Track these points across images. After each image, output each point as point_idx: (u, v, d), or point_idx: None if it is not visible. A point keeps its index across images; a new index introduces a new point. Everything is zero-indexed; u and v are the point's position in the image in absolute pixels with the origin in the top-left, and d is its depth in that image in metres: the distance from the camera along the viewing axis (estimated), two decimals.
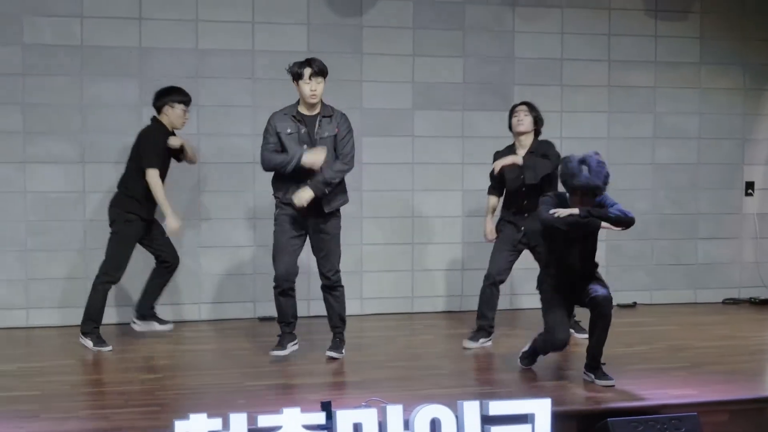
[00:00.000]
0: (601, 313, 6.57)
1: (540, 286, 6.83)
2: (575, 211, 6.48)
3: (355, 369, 7.07)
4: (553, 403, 5.67)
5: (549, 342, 6.72)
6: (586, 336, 6.94)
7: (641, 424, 5.84)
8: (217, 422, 5.11)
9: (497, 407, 5.54)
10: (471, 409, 5.47)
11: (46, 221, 8.64)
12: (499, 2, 9.63)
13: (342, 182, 7.22)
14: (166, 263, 7.95)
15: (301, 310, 8.94)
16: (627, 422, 5.83)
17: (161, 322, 8.05)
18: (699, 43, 10.16)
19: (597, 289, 6.57)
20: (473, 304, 9.52)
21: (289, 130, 7.09)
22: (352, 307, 9.12)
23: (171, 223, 7.70)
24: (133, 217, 7.71)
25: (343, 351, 7.31)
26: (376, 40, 9.33)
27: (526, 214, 7.86)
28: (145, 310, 8.00)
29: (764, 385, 6.86)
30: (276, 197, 7.20)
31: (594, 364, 6.70)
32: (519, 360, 7.09)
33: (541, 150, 7.80)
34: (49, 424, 5.54)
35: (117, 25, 8.76)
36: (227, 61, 9.00)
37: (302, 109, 7.17)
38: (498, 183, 8.02)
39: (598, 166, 6.51)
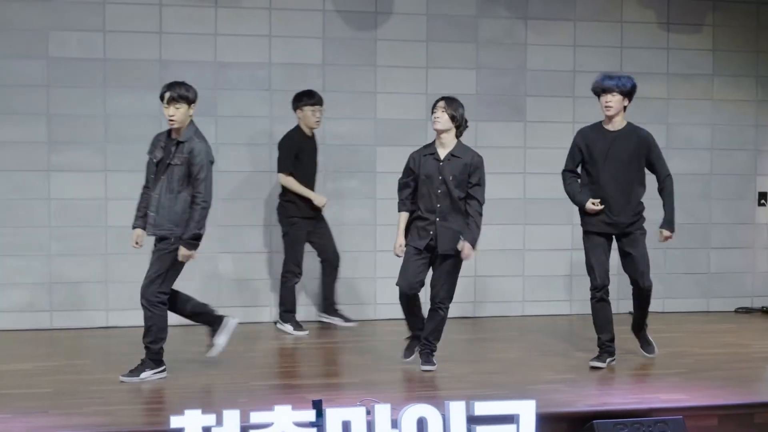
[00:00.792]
0: None
1: None
2: None
3: (357, 371, 7.31)
4: (541, 405, 5.87)
5: None
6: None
7: (626, 427, 6.01)
8: (211, 418, 5.36)
9: (483, 407, 5.74)
10: (457, 409, 5.67)
11: (69, 227, 8.98)
12: (512, 16, 9.85)
13: (181, 212, 6.99)
14: (327, 262, 8.99)
15: (313, 314, 9.24)
16: (612, 425, 6.01)
17: (345, 319, 9.06)
18: (712, 55, 10.32)
19: None
20: (485, 311, 9.81)
21: (151, 155, 7.06)
22: (366, 312, 9.41)
23: (317, 200, 8.71)
24: (295, 219, 8.74)
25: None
26: (390, 53, 9.59)
27: None
28: (326, 307, 9.09)
29: (755, 391, 7.00)
30: None
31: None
32: None
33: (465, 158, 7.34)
34: (55, 419, 5.84)
35: (138, 39, 9.09)
36: (245, 73, 9.31)
37: (172, 133, 7.05)
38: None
39: None
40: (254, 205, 9.26)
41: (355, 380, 6.99)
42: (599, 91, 7.56)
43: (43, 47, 8.93)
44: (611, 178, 7.51)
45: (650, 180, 10.12)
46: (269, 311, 9.40)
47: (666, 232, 7.76)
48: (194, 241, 6.98)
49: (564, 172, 7.72)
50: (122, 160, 8.98)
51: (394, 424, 5.58)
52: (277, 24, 9.37)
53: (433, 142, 7.39)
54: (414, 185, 7.30)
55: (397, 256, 7.26)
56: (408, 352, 7.45)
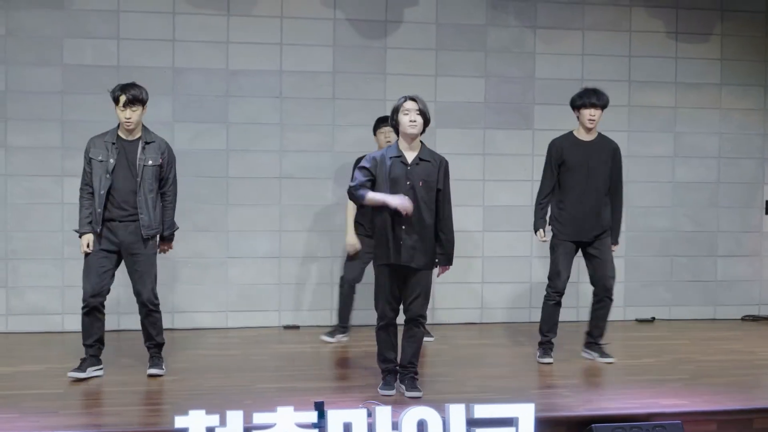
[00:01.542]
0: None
1: None
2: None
3: (363, 375, 7.41)
4: (540, 409, 5.98)
5: None
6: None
7: (625, 431, 6.11)
8: (214, 418, 5.47)
9: (482, 410, 5.83)
10: (457, 412, 5.76)
11: None
12: (521, 25, 9.95)
13: (160, 209, 7.24)
14: None
15: (325, 319, 9.34)
16: (611, 429, 6.10)
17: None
18: (719, 64, 10.39)
19: None
20: (493, 317, 9.89)
21: (100, 157, 7.09)
22: (373, 317, 9.50)
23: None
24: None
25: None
26: (399, 61, 9.70)
27: None
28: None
29: (754, 397, 7.06)
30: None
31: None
32: None
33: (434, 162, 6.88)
34: (64, 420, 5.97)
35: (152, 47, 9.24)
36: (256, 80, 9.44)
37: (121, 134, 7.18)
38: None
39: None
40: (264, 211, 9.38)
41: (360, 384, 7.10)
42: (586, 105, 7.90)
43: (57, 54, 9.09)
44: (588, 187, 7.90)
45: (657, 188, 10.25)
46: (277, 316, 9.51)
47: (613, 246, 8.12)
48: (173, 236, 7.41)
49: (539, 202, 8.07)
50: None
51: (395, 426, 5.68)
52: (288, 32, 9.50)
53: (395, 145, 6.81)
54: (370, 187, 6.70)
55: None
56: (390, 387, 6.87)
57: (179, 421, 5.44)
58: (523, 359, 8.22)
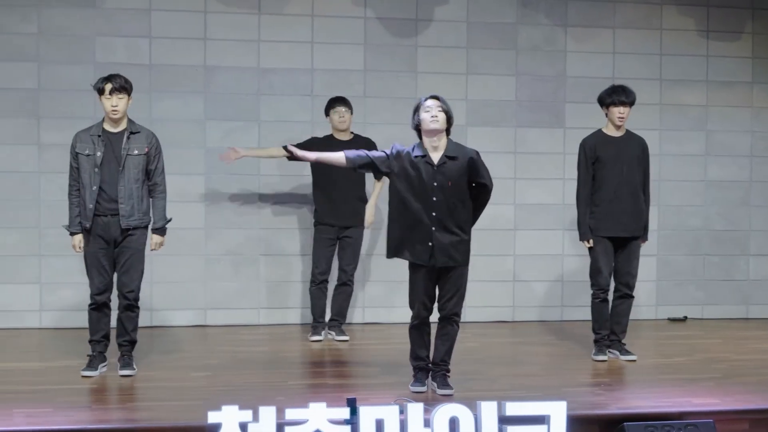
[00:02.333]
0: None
1: None
2: None
3: (395, 372, 7.42)
4: (572, 407, 5.96)
5: None
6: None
7: (656, 429, 6.08)
8: (247, 414, 5.50)
9: (514, 408, 5.83)
10: (489, 409, 5.76)
11: None
12: (552, 23, 9.93)
13: (147, 201, 7.22)
14: None
15: (356, 316, 9.40)
16: (643, 427, 6.08)
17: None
18: (751, 62, 10.33)
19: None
20: (525, 315, 9.88)
21: (87, 151, 7.08)
22: (405, 315, 9.51)
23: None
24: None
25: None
26: (430, 60, 9.71)
27: None
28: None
29: None
30: None
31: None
32: None
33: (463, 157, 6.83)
34: (97, 414, 6.03)
35: (183, 45, 9.29)
36: (287, 79, 9.47)
37: (107, 126, 7.17)
38: None
39: None
40: (295, 208, 9.41)
41: (391, 380, 7.11)
42: (615, 103, 7.95)
43: (90, 53, 9.15)
44: (623, 181, 7.94)
45: (689, 186, 10.21)
46: (308, 312, 9.52)
47: (642, 242, 8.17)
48: (165, 229, 7.32)
49: (580, 199, 8.05)
50: (167, 164, 9.03)
51: (427, 423, 5.69)
52: (319, 30, 9.53)
53: (419, 143, 6.76)
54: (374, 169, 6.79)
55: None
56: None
57: (212, 417, 5.47)
58: (555, 357, 8.21)
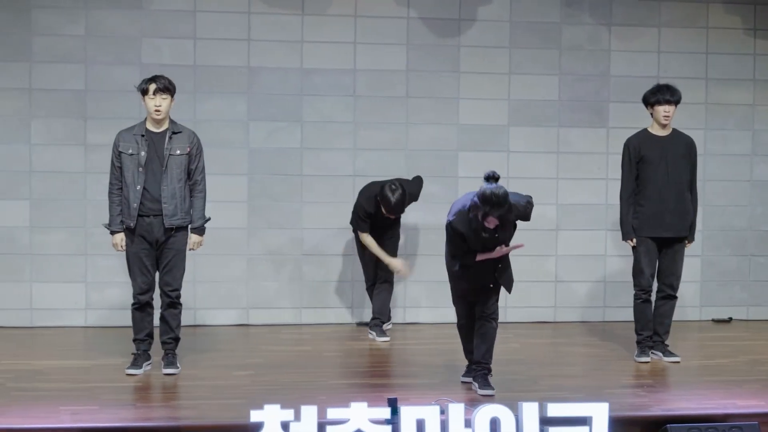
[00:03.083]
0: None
1: None
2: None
3: (436, 372, 7.45)
4: (614, 408, 5.95)
5: None
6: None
7: (700, 431, 6.05)
8: (289, 413, 5.55)
9: (556, 409, 5.84)
10: (530, 410, 5.77)
11: None
12: (595, 22, 9.89)
13: (190, 200, 7.29)
14: None
15: (397, 316, 9.42)
16: (686, 429, 6.06)
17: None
18: None
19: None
20: (565, 316, 9.85)
21: (130, 151, 7.18)
22: (447, 315, 9.53)
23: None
24: None
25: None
26: (473, 59, 9.70)
27: None
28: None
29: None
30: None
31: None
32: None
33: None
34: (142, 412, 6.11)
35: (228, 46, 9.35)
36: (330, 79, 9.50)
37: (150, 126, 7.27)
38: None
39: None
40: (336, 208, 9.43)
41: (433, 381, 7.13)
42: (660, 102, 7.96)
43: (136, 54, 9.24)
44: (668, 181, 7.92)
45: (735, 186, 10.12)
46: (350, 312, 9.58)
47: (688, 243, 8.17)
48: (204, 228, 7.39)
49: (623, 199, 8.04)
50: (211, 164, 9.15)
51: (468, 423, 5.70)
52: (361, 31, 9.55)
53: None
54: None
55: None
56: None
57: (255, 416, 5.52)
58: (597, 358, 8.18)
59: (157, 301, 7.41)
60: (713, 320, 10.09)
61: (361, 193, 8.88)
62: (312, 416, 5.56)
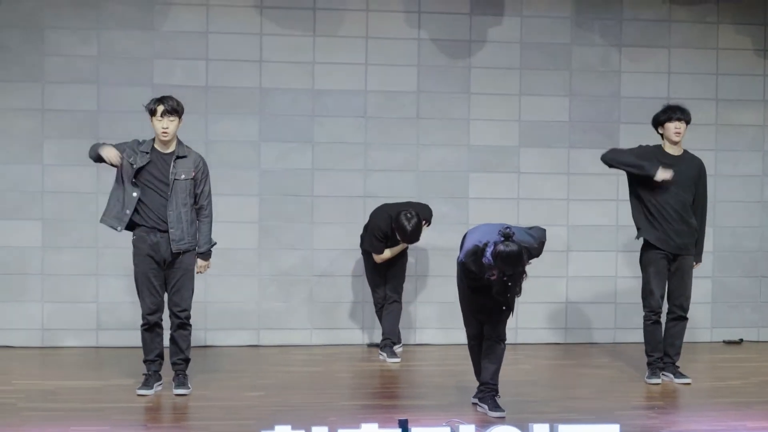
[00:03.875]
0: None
1: None
2: None
3: (446, 393, 7.44)
4: (625, 429, 5.92)
5: None
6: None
7: None
8: None
9: (567, 430, 5.79)
10: None
11: None
12: (606, 43, 9.91)
13: (196, 224, 7.31)
14: None
15: (407, 338, 9.41)
16: None
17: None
18: None
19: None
20: (577, 337, 9.83)
21: (131, 159, 7.17)
22: (458, 336, 9.53)
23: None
24: None
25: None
26: (484, 81, 9.73)
27: None
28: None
29: None
30: None
31: None
32: None
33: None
34: None
35: (239, 68, 9.40)
36: (341, 100, 9.54)
37: (157, 146, 7.26)
38: None
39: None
40: (347, 229, 9.45)
41: (443, 402, 7.12)
42: (671, 119, 7.98)
43: (148, 75, 9.30)
44: (677, 201, 7.91)
45: (745, 207, 10.11)
46: (361, 333, 9.58)
47: (696, 264, 8.16)
48: (210, 252, 7.40)
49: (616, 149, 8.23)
50: (222, 185, 9.24)
51: None
52: (373, 52, 9.59)
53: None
54: None
55: None
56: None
57: None
58: (608, 380, 8.17)
59: (166, 322, 7.41)
60: (724, 341, 10.07)
61: (375, 215, 8.90)
62: None
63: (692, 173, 7.99)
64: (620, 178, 9.76)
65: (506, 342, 6.95)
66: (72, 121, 9.25)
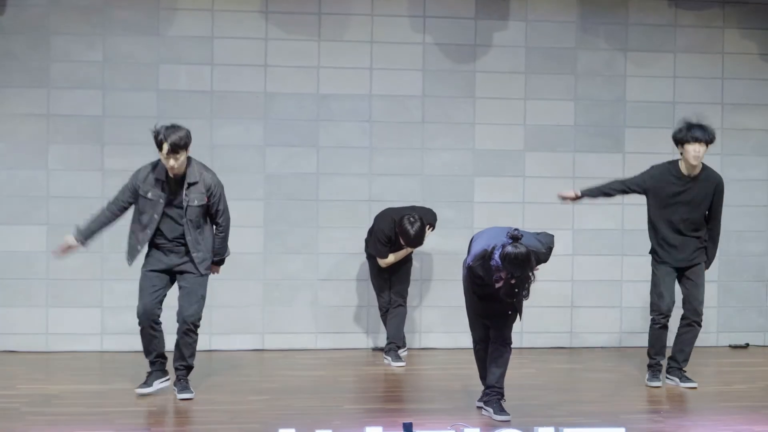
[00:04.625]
0: None
1: None
2: None
3: (451, 397, 7.43)
4: None
5: None
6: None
7: None
8: None
9: None
10: None
11: None
12: (611, 48, 9.90)
13: (212, 239, 7.35)
14: None
15: (412, 342, 9.40)
16: None
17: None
18: None
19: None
20: (583, 341, 9.81)
21: (150, 195, 7.16)
22: (462, 340, 9.52)
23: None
24: None
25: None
26: (489, 85, 9.72)
27: None
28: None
29: None
30: None
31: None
32: None
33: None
34: None
35: (244, 72, 9.41)
36: (346, 105, 9.54)
37: (168, 171, 7.15)
38: None
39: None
40: (352, 233, 9.44)
41: (448, 406, 7.11)
42: (689, 141, 7.72)
43: (153, 80, 9.31)
44: (688, 218, 7.85)
45: (752, 212, 10.09)
46: (365, 338, 9.57)
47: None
48: (223, 260, 7.50)
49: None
50: (227, 189, 9.17)
51: None
52: (378, 57, 9.59)
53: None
54: None
55: None
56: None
57: None
58: (613, 384, 8.15)
59: (168, 324, 7.39)
60: (730, 346, 10.05)
61: (379, 220, 8.91)
62: None
63: (705, 192, 7.83)
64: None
65: (512, 346, 6.94)
66: (77, 126, 9.26)
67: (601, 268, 9.87)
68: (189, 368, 7.35)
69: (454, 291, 9.40)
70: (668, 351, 8.08)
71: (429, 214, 8.93)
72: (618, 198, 9.76)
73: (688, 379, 7.92)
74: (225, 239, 7.42)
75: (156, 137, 7.06)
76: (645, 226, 9.22)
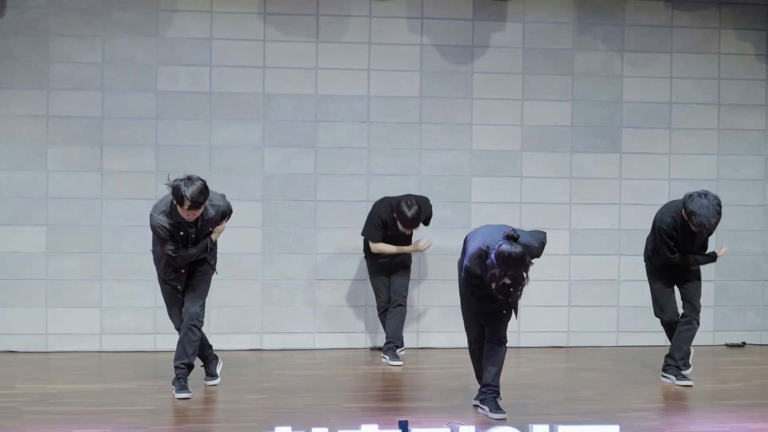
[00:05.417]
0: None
1: None
2: None
3: (448, 396, 7.47)
4: (625, 431, 5.95)
5: None
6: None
7: None
8: None
9: (566, 431, 5.84)
10: None
11: None
12: (608, 48, 9.94)
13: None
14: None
15: (410, 341, 9.45)
16: None
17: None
18: None
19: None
20: (579, 340, 9.85)
21: (171, 247, 7.32)
22: (459, 340, 9.56)
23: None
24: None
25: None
26: (486, 86, 9.76)
27: None
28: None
29: None
30: None
31: None
32: None
33: None
34: None
35: (243, 74, 9.45)
36: (344, 105, 9.59)
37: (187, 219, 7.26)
38: None
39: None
40: (350, 233, 9.48)
41: (444, 404, 7.15)
42: (694, 224, 7.68)
43: (152, 81, 9.35)
44: (687, 251, 8.01)
45: (747, 211, 10.12)
46: (363, 337, 9.62)
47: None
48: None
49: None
50: (226, 190, 9.24)
51: None
52: (375, 58, 9.64)
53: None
54: None
55: None
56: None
57: None
58: (610, 383, 8.19)
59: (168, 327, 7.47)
60: (727, 345, 10.09)
61: (376, 205, 9.02)
62: None
63: (702, 237, 8.00)
64: (622, 182, 9.86)
65: (508, 345, 6.99)
66: (77, 127, 9.30)
67: (597, 267, 9.91)
68: (190, 367, 7.41)
69: (452, 290, 9.43)
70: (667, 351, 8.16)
71: (426, 202, 8.98)
72: (615, 198, 9.90)
73: (684, 377, 7.96)
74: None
75: (176, 193, 7.00)
76: (642, 226, 9.30)
